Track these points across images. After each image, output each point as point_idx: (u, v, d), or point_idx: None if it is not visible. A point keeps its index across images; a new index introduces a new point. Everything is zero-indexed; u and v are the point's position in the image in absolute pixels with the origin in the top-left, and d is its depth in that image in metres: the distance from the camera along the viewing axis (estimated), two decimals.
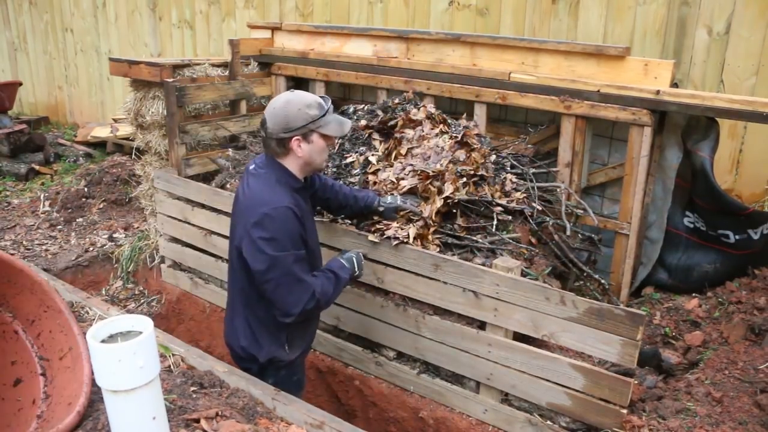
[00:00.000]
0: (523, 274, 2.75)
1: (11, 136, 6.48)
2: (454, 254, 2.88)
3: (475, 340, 2.74)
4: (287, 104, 2.29)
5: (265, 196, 2.29)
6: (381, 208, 2.87)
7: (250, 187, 2.37)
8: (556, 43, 3.55)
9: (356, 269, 2.56)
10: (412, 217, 2.90)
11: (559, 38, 4.22)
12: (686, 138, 3.39)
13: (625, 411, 2.43)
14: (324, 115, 2.30)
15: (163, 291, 4.34)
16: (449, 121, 3.43)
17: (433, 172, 2.96)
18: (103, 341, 1.44)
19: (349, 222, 3.05)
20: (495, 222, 3.01)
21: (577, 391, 2.52)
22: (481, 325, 2.76)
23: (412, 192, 2.96)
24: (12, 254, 4.36)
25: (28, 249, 4.65)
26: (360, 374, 3.20)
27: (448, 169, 3.00)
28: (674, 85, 3.40)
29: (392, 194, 2.95)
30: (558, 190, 3.42)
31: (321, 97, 2.37)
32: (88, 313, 2.47)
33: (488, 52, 3.76)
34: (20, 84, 7.59)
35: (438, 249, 2.89)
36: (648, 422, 2.54)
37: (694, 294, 3.48)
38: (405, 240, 2.83)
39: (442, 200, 2.93)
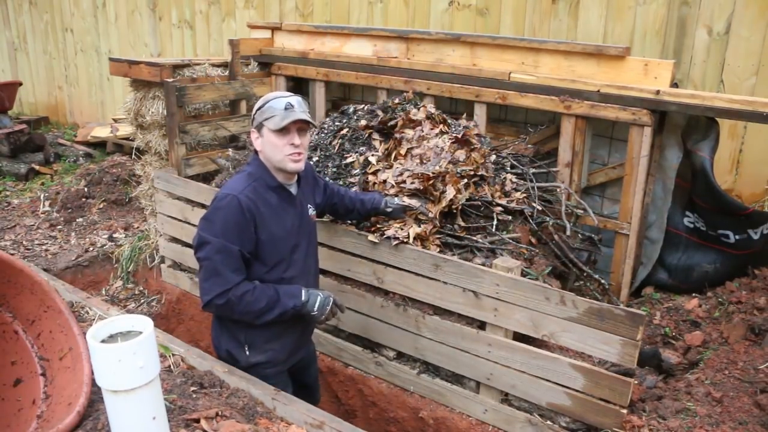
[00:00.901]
0: (523, 274, 2.75)
1: (11, 136, 6.48)
2: (454, 254, 2.88)
3: (475, 340, 2.74)
4: (260, 101, 2.35)
5: (228, 185, 2.36)
6: (389, 209, 2.85)
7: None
8: (556, 43, 3.55)
9: (312, 308, 2.37)
10: (420, 218, 2.90)
11: (559, 38, 4.22)
12: (686, 138, 3.39)
13: (625, 411, 2.43)
14: (283, 111, 2.26)
15: (163, 291, 4.33)
16: (449, 121, 3.43)
17: (433, 173, 2.95)
18: (103, 341, 1.44)
19: (349, 222, 3.05)
20: (495, 222, 3.01)
21: (577, 391, 2.52)
22: (481, 325, 2.75)
23: (416, 195, 2.96)
24: (12, 254, 4.36)
25: (28, 249, 4.65)
26: (360, 374, 3.20)
27: (448, 171, 3.00)
28: (674, 85, 3.40)
29: (398, 196, 2.96)
30: (558, 190, 3.42)
31: (289, 96, 2.33)
32: (88, 313, 2.47)
33: (488, 52, 3.76)
34: (20, 84, 7.59)
35: (438, 249, 2.89)
36: (648, 422, 2.54)
37: (694, 294, 3.48)
38: (405, 240, 2.83)
39: (447, 202, 2.93)
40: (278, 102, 2.27)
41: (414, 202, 2.89)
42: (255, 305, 2.25)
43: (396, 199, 2.90)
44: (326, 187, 2.76)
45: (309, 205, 2.54)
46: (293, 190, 2.44)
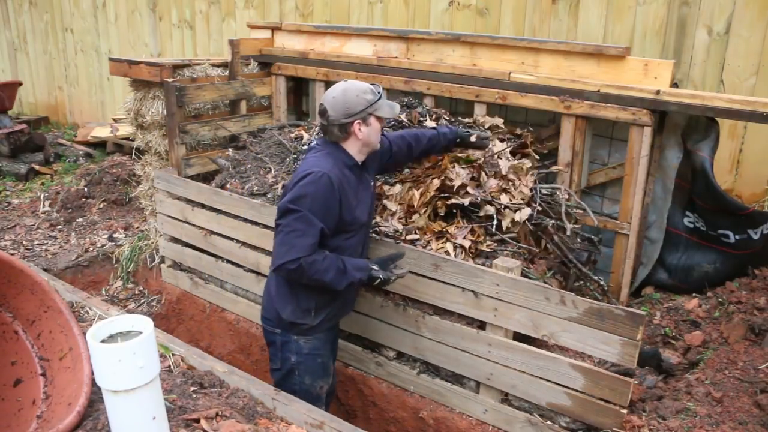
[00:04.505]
0: (524, 275, 2.75)
1: (11, 136, 6.47)
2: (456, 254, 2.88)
3: (475, 340, 2.75)
4: (345, 92, 2.48)
5: (311, 163, 2.47)
6: (473, 137, 3.03)
7: (304, 159, 2.61)
8: (556, 43, 3.55)
9: (377, 280, 2.54)
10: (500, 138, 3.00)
11: (559, 38, 4.22)
12: (686, 138, 3.39)
13: (625, 411, 2.43)
14: (378, 99, 2.50)
15: (163, 291, 4.34)
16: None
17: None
18: (103, 341, 1.45)
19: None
20: (495, 222, 3.01)
21: (577, 391, 2.52)
22: (481, 325, 2.76)
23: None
24: (12, 254, 4.37)
25: (28, 249, 4.65)
26: (360, 374, 3.20)
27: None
28: (674, 85, 3.40)
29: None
30: (558, 190, 3.42)
31: (371, 84, 2.55)
32: (88, 313, 2.47)
33: (488, 52, 3.76)
34: (20, 84, 7.59)
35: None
36: (648, 422, 2.54)
37: (694, 294, 3.48)
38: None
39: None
40: (375, 92, 2.49)
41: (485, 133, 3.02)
42: (325, 275, 2.40)
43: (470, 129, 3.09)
44: (394, 142, 2.87)
45: (370, 178, 2.70)
46: (363, 164, 2.62)
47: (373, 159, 2.71)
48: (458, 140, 3.09)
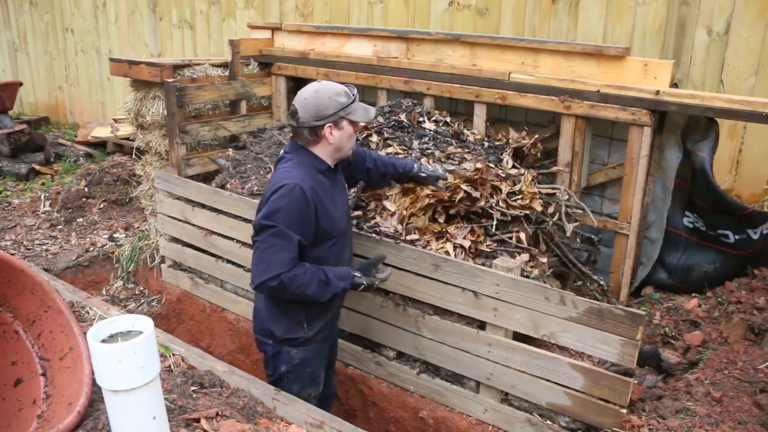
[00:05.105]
0: (524, 274, 2.76)
1: (12, 136, 6.48)
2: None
3: (475, 340, 2.75)
4: (317, 93, 2.36)
5: (282, 175, 2.38)
6: (423, 174, 2.88)
7: (274, 171, 2.51)
8: (556, 43, 3.56)
9: (361, 286, 2.50)
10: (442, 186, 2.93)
11: (559, 38, 4.22)
12: (686, 138, 3.39)
13: (624, 411, 2.43)
14: (352, 103, 2.39)
15: (163, 291, 4.34)
16: (463, 133, 3.45)
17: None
18: (103, 341, 1.45)
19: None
20: (495, 222, 3.01)
21: (577, 390, 2.52)
22: (481, 325, 2.76)
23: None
24: (12, 254, 4.37)
25: (29, 249, 4.65)
26: (360, 374, 3.20)
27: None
28: (674, 85, 3.40)
29: (432, 164, 3.00)
30: (558, 190, 3.42)
31: (345, 85, 2.45)
32: (88, 313, 2.47)
33: (488, 52, 3.76)
34: (21, 84, 7.59)
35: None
36: (648, 422, 2.54)
37: (693, 294, 3.49)
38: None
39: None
40: (349, 94, 2.40)
41: (445, 170, 2.90)
42: (307, 289, 2.34)
43: (430, 165, 2.92)
44: (353, 153, 2.73)
45: (342, 180, 2.64)
46: (333, 168, 2.53)
47: (344, 167, 2.64)
48: (410, 176, 2.92)
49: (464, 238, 2.90)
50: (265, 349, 2.60)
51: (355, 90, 2.44)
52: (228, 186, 3.74)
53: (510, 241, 2.97)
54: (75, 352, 1.84)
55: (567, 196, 3.37)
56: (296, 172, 2.36)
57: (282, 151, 2.55)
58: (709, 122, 3.32)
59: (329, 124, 2.36)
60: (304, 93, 2.39)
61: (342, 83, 2.46)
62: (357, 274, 2.49)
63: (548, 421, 2.65)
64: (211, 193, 3.69)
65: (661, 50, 3.93)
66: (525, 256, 2.86)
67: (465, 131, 3.65)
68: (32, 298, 1.90)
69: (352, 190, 3.08)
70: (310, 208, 2.32)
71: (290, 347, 2.55)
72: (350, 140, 2.45)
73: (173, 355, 2.20)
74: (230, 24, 6.19)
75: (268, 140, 4.01)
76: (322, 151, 2.43)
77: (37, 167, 6.41)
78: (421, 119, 3.64)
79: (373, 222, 3.02)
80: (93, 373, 1.48)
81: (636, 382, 2.83)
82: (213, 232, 3.75)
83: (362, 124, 2.53)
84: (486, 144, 3.58)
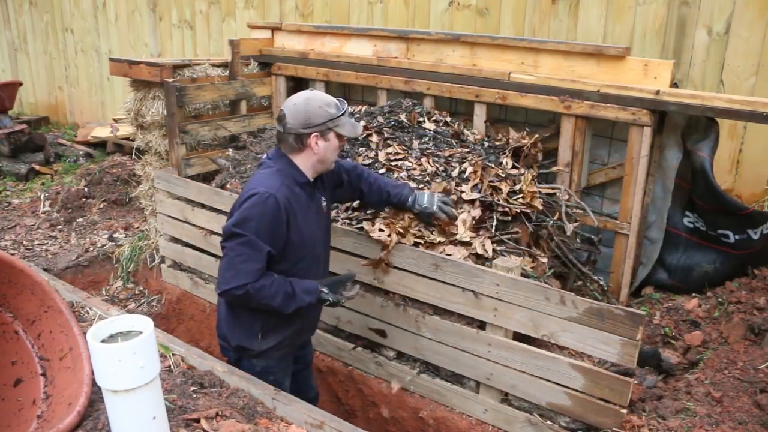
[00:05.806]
0: (524, 274, 2.76)
1: (11, 136, 6.48)
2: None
3: (475, 340, 2.75)
4: (308, 101, 2.34)
5: (258, 182, 2.35)
6: (416, 210, 2.83)
7: (252, 175, 2.47)
8: (556, 43, 3.56)
9: (327, 301, 2.46)
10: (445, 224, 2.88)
11: (559, 38, 4.22)
12: (686, 138, 3.39)
13: (624, 411, 2.43)
14: (341, 115, 2.37)
15: (163, 291, 4.34)
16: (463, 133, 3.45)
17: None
18: (103, 341, 1.45)
19: (348, 222, 3.05)
20: (495, 222, 3.01)
21: (577, 391, 2.52)
22: (481, 325, 2.76)
23: (446, 191, 2.96)
24: (12, 254, 4.37)
25: (29, 249, 4.65)
26: (360, 374, 3.20)
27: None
28: (674, 85, 3.41)
29: (429, 190, 2.95)
30: (558, 190, 3.42)
31: (337, 99, 2.43)
32: (88, 313, 2.47)
33: (488, 52, 3.76)
34: (20, 84, 7.59)
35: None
36: (648, 422, 2.54)
37: (693, 294, 3.49)
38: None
39: (479, 209, 2.94)
40: (339, 107, 2.37)
41: (443, 203, 2.84)
42: (272, 300, 2.31)
43: (426, 196, 2.82)
44: (348, 171, 2.71)
45: (322, 197, 2.57)
46: (313, 182, 2.49)
47: (329, 180, 2.60)
48: (403, 208, 2.87)
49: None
50: (227, 354, 2.56)
51: (346, 104, 2.42)
52: (228, 186, 3.74)
53: (510, 241, 2.97)
54: (75, 352, 1.84)
55: (567, 196, 3.36)
56: (273, 180, 2.32)
57: (264, 156, 2.51)
58: (710, 122, 3.32)
59: (316, 134, 2.33)
60: (295, 99, 2.37)
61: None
62: (324, 289, 2.44)
63: (548, 421, 2.65)
64: (211, 193, 3.69)
65: (661, 50, 3.93)
66: (515, 262, 2.84)
67: (465, 131, 3.65)
68: (32, 298, 1.91)
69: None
70: (281, 219, 2.29)
71: (247, 357, 2.50)
72: (334, 153, 2.43)
73: (173, 355, 2.20)
74: (230, 24, 6.19)
75: (268, 140, 4.01)
76: (304, 162, 2.39)
77: (37, 167, 6.41)
78: (421, 119, 3.64)
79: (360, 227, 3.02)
80: (93, 373, 1.48)
81: (636, 382, 2.83)
82: (213, 232, 3.75)
83: (347, 138, 2.48)
84: (486, 144, 3.58)
